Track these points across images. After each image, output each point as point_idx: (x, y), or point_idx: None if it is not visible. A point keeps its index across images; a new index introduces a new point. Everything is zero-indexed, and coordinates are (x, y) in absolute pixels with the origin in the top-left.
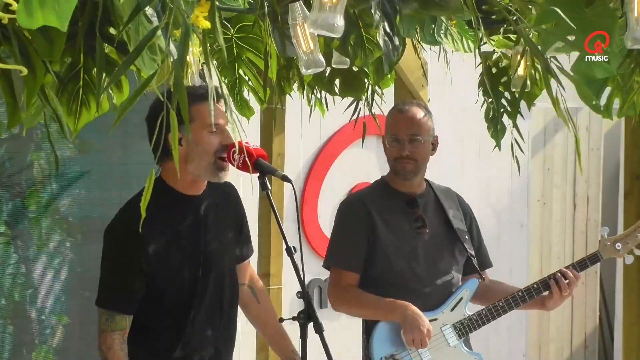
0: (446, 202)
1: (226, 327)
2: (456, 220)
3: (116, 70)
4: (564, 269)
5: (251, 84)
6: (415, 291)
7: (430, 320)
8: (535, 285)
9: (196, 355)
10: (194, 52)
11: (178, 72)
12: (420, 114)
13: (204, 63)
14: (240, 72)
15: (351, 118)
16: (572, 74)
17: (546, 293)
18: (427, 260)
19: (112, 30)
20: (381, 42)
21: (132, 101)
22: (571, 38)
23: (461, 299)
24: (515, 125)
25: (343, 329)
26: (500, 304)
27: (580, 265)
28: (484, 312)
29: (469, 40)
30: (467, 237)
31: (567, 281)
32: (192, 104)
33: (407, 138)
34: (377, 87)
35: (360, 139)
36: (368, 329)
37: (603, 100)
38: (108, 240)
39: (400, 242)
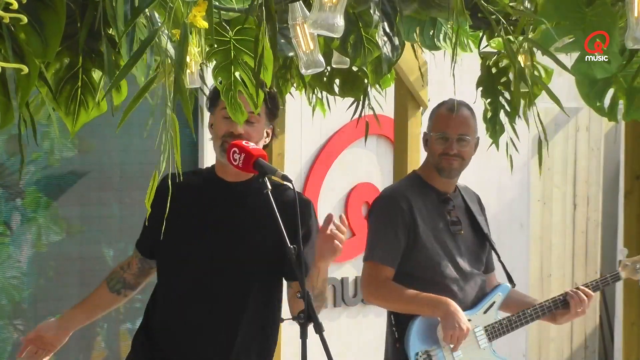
0: (472, 205)
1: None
2: (483, 225)
3: (117, 74)
4: (582, 287)
5: (246, 87)
6: (450, 290)
7: None
8: (561, 297)
9: None
10: (191, 51)
11: (178, 72)
12: (468, 114)
13: (202, 63)
14: (237, 74)
15: (356, 116)
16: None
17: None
18: (462, 261)
19: (111, 32)
20: (380, 43)
21: (134, 103)
22: (571, 38)
23: (494, 302)
24: (513, 127)
25: (343, 329)
26: (529, 312)
27: (603, 282)
28: (514, 318)
29: (469, 41)
30: (493, 242)
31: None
32: (218, 93)
33: (455, 137)
34: (378, 87)
35: (360, 139)
36: (400, 324)
37: (606, 102)
38: None
39: (438, 241)
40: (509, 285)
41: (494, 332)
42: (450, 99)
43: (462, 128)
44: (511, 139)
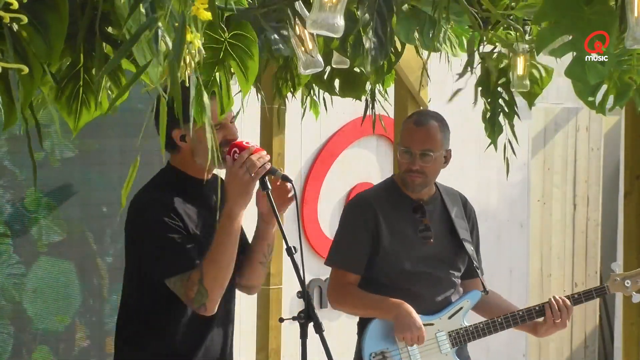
0: (452, 209)
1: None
2: (462, 230)
3: (110, 60)
4: (562, 297)
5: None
6: (415, 296)
7: (426, 325)
8: (537, 307)
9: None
10: (195, 44)
11: (173, 64)
12: (435, 129)
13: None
14: (217, 75)
15: (363, 118)
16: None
17: (541, 319)
18: (429, 268)
19: (111, 30)
20: (367, 44)
21: (126, 88)
22: (569, 37)
23: (460, 308)
24: (512, 127)
25: (343, 329)
26: (499, 320)
27: (586, 296)
28: (481, 326)
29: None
30: (471, 247)
31: (560, 311)
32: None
33: (418, 152)
34: (379, 87)
35: (360, 139)
36: (362, 325)
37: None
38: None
39: (403, 249)
40: (479, 292)
41: (459, 338)
42: (420, 111)
43: (427, 144)
44: (509, 140)
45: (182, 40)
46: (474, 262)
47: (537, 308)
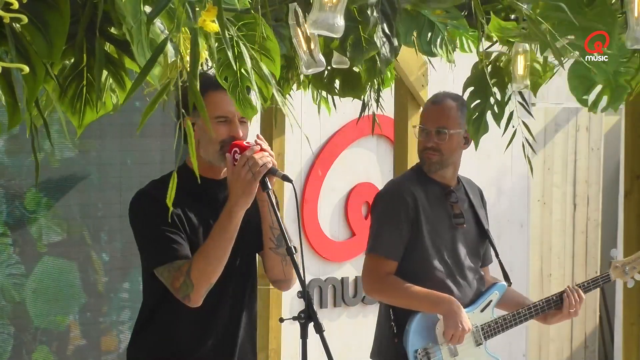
0: (474, 199)
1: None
2: (484, 220)
3: (133, 84)
4: (576, 287)
5: (254, 82)
6: (446, 286)
7: None
8: (554, 298)
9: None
10: (202, 55)
11: (191, 78)
12: (451, 106)
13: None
14: (242, 70)
15: (363, 115)
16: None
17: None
18: (461, 255)
19: (113, 30)
20: (378, 43)
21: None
22: (570, 38)
23: (491, 301)
24: (526, 126)
25: (343, 329)
26: (523, 311)
27: (594, 283)
28: (509, 317)
29: (469, 40)
30: (491, 236)
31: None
32: (203, 91)
33: (433, 130)
34: (380, 88)
35: (360, 139)
36: (399, 319)
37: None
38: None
39: (439, 236)
40: (505, 283)
41: (490, 330)
42: (439, 92)
43: (441, 121)
44: (526, 139)
45: (197, 57)
46: (496, 251)
47: (554, 298)
